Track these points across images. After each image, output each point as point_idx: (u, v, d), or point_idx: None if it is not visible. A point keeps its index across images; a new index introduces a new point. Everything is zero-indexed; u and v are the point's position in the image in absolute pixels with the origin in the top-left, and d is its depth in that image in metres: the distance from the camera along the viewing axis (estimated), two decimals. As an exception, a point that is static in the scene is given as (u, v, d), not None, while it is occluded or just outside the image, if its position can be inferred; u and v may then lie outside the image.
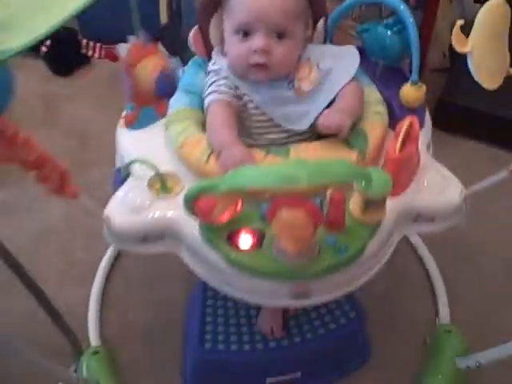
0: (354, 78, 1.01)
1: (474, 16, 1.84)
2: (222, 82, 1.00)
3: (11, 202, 1.67)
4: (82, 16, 1.96)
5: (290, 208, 0.79)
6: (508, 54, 0.95)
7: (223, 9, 1.02)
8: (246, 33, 0.97)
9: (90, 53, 2.05)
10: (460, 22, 0.92)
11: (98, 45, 1.94)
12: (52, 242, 1.58)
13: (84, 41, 2.03)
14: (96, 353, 1.30)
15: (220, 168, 0.90)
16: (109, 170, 1.13)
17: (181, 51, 1.18)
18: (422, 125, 1.06)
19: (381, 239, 0.92)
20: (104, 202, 0.96)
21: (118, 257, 1.53)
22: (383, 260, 0.97)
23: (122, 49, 1.04)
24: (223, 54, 1.04)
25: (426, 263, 1.54)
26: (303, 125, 0.99)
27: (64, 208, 1.62)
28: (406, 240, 1.56)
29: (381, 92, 1.07)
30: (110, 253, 1.53)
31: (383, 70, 1.12)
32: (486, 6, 0.90)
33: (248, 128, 1.02)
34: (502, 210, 1.66)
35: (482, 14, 0.91)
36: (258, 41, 0.96)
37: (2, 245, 1.05)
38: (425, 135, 1.06)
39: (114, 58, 1.78)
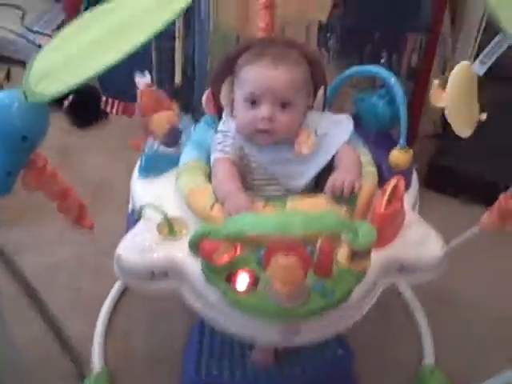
0: (347, 142, 1.09)
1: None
2: (228, 143, 1.09)
3: (25, 240, 1.73)
4: (103, 75, 2.09)
5: (284, 254, 0.86)
6: (477, 106, 1.05)
7: (234, 78, 1.11)
8: (253, 101, 1.06)
9: (108, 108, 2.13)
10: (435, 82, 1.04)
11: (117, 102, 2.02)
12: (62, 277, 1.65)
13: (104, 97, 2.12)
14: (98, 376, 1.36)
15: (225, 214, 0.98)
16: (116, 218, 1.21)
17: (193, 109, 1.27)
18: (408, 185, 1.14)
19: (366, 286, 0.98)
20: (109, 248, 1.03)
21: (124, 291, 1.59)
22: (368, 305, 1.03)
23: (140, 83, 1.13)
24: (232, 116, 1.13)
25: (412, 306, 1.58)
26: (301, 183, 1.08)
27: (75, 247, 1.68)
28: (392, 283, 1.61)
29: (372, 155, 1.15)
30: (116, 287, 1.58)
31: (376, 135, 1.20)
32: (456, 68, 1.01)
33: (249, 182, 1.10)
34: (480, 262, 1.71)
35: (453, 75, 1.02)
36: (264, 110, 1.05)
37: (23, 274, 1.13)
38: (411, 195, 1.14)
39: (130, 114, 1.86)
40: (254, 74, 1.06)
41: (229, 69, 1.12)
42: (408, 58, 1.67)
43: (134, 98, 1.18)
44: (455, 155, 1.92)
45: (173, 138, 1.14)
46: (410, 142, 1.86)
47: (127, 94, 1.27)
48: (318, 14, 1.66)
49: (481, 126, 1.91)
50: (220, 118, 1.16)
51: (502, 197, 0.95)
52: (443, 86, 1.04)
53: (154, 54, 1.94)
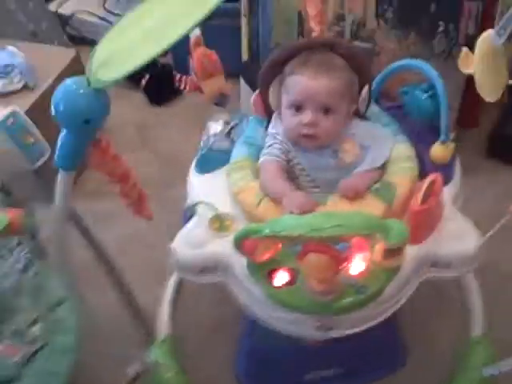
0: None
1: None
2: (277, 146, 1.12)
3: (104, 211, 1.79)
4: (176, 53, 2.10)
5: (317, 253, 0.89)
6: (506, 71, 1.03)
7: (281, 83, 1.13)
8: (298, 108, 1.09)
9: (182, 86, 2.16)
10: (464, 49, 1.03)
11: (189, 78, 2.05)
12: (138, 247, 1.72)
13: (177, 75, 2.15)
14: (164, 342, 1.40)
15: (287, 210, 1.00)
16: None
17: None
18: (450, 178, 1.13)
19: (399, 282, 1.00)
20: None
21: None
22: (403, 299, 1.04)
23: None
24: (281, 118, 1.15)
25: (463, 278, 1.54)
26: None
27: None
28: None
29: (416, 147, 1.14)
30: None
31: (420, 127, 1.19)
32: (482, 36, 1.00)
33: (294, 184, 1.12)
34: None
35: (479, 43, 1.00)
36: (307, 116, 1.07)
37: (99, 243, 1.21)
38: (452, 188, 1.13)
39: (201, 89, 1.89)
40: (299, 83, 1.08)
41: (275, 71, 1.14)
42: (465, 26, 1.60)
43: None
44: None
45: (222, 101, 1.20)
46: (473, 111, 1.85)
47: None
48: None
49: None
50: (269, 118, 1.19)
51: None
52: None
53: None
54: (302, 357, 1.31)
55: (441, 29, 1.63)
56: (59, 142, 0.83)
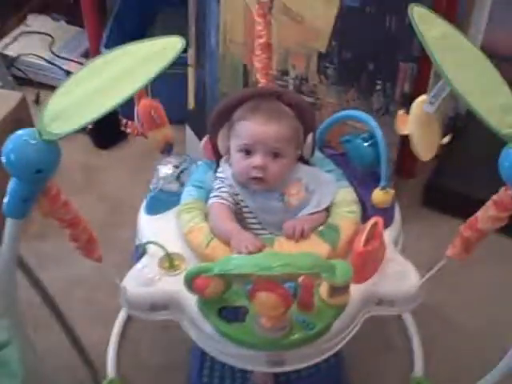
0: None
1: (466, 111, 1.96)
2: (224, 189, 1.16)
3: (48, 253, 1.80)
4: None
5: (266, 292, 0.91)
6: (438, 132, 1.11)
7: (230, 129, 1.17)
8: (247, 151, 1.13)
9: (128, 130, 2.20)
10: (400, 112, 1.13)
11: (134, 124, 2.07)
12: (81, 289, 1.71)
13: (124, 120, 2.18)
14: (111, 383, 1.43)
15: (234, 251, 1.04)
16: (134, 233, 1.24)
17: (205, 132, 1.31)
18: (390, 221, 1.19)
19: (345, 319, 1.03)
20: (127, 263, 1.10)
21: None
22: (349, 336, 1.08)
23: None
24: (229, 164, 1.19)
25: (404, 319, 1.61)
26: None
27: (94, 262, 1.74)
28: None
29: (358, 193, 1.20)
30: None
31: (362, 174, 1.25)
32: (416, 101, 1.09)
33: (242, 226, 1.14)
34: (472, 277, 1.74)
35: (413, 106, 1.09)
36: (257, 160, 1.12)
37: (43, 285, 1.19)
38: (393, 230, 1.19)
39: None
40: (249, 129, 1.12)
41: (224, 118, 1.18)
42: (401, 85, 1.70)
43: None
44: (453, 175, 1.95)
45: (166, 151, 1.23)
46: (410, 163, 1.93)
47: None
48: (318, 45, 1.71)
49: (481, 148, 1.95)
50: (218, 162, 1.22)
51: (461, 227, 0.98)
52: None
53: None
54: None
55: (378, 87, 1.72)
56: (8, 191, 0.83)
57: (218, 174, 1.20)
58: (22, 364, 1.07)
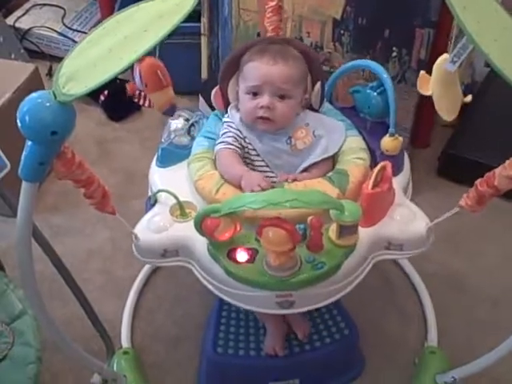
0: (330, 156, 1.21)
1: (483, 78, 1.97)
2: (230, 134, 1.21)
3: (63, 224, 1.87)
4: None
5: (273, 227, 0.96)
6: (460, 91, 1.14)
7: (239, 74, 1.23)
8: (255, 93, 1.18)
9: (140, 102, 2.25)
10: (422, 72, 1.14)
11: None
12: (97, 260, 1.77)
13: (137, 91, 2.23)
14: (126, 353, 1.47)
15: (246, 190, 1.09)
16: None
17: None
18: (399, 169, 1.24)
19: (355, 260, 1.08)
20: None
21: (151, 274, 1.70)
22: (358, 279, 1.12)
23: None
24: (237, 109, 1.24)
25: (418, 290, 1.66)
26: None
27: (109, 232, 1.82)
28: (400, 268, 1.70)
29: (367, 141, 1.25)
30: (144, 270, 1.69)
31: (371, 123, 1.30)
32: (438, 60, 1.11)
33: (251, 169, 1.21)
34: (491, 248, 1.79)
35: (435, 66, 1.11)
36: (264, 100, 1.17)
37: (59, 259, 1.25)
38: (402, 178, 1.23)
39: None
40: (256, 69, 1.17)
41: (235, 66, 1.23)
42: (417, 52, 1.73)
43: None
44: (468, 144, 1.98)
45: (171, 111, 1.24)
46: (425, 132, 1.96)
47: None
48: (332, 11, 1.75)
49: (497, 116, 1.97)
50: (227, 112, 1.27)
51: (478, 181, 1.01)
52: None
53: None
54: (263, 368, 1.39)
55: (394, 54, 1.75)
56: (24, 154, 0.86)
57: (224, 119, 1.25)
58: (37, 334, 1.13)
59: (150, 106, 2.23)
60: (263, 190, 1.06)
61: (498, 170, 0.97)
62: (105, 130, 2.24)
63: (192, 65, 2.10)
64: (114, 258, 1.76)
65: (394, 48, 1.75)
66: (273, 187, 1.09)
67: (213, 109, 1.35)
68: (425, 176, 1.99)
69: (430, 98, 1.13)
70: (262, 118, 1.18)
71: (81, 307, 1.36)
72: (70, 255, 1.57)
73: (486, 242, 1.79)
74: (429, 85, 1.12)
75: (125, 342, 1.53)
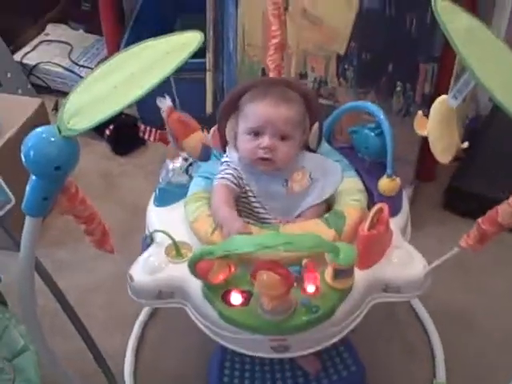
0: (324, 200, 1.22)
1: (488, 111, 1.98)
2: (229, 171, 1.22)
3: (67, 259, 1.88)
4: (140, 105, 2.20)
5: (268, 270, 0.97)
6: (457, 135, 1.13)
7: (238, 114, 1.24)
8: (256, 133, 1.20)
9: (146, 136, 2.26)
10: (419, 112, 1.15)
11: (154, 130, 2.13)
12: (100, 295, 1.77)
13: (142, 126, 2.24)
14: None
15: (223, 238, 1.10)
16: None
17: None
18: (397, 210, 1.24)
19: (350, 303, 1.08)
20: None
21: (155, 309, 1.70)
22: (355, 322, 1.12)
23: (162, 103, 1.20)
24: (235, 149, 1.25)
25: (426, 325, 1.65)
26: (288, 217, 1.21)
27: (112, 267, 1.79)
28: (407, 303, 1.69)
29: (365, 182, 1.25)
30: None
31: (369, 164, 1.30)
32: (436, 101, 1.11)
33: (247, 210, 1.23)
34: (500, 282, 1.78)
35: (434, 107, 1.12)
36: (265, 141, 1.18)
37: (62, 293, 1.24)
38: (400, 220, 1.23)
39: (167, 141, 1.96)
40: (258, 110, 1.19)
41: (233, 107, 1.25)
42: (421, 87, 1.74)
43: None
44: (475, 178, 1.98)
45: (206, 153, 1.25)
46: (430, 166, 1.96)
47: (163, 122, 1.35)
48: (336, 47, 1.78)
49: (503, 150, 1.97)
50: (224, 152, 1.29)
51: (479, 220, 1.01)
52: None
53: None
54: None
55: (398, 88, 1.77)
56: (28, 189, 0.87)
57: (223, 159, 1.27)
58: (38, 371, 1.14)
59: (155, 140, 2.25)
60: None
61: (501, 207, 0.97)
62: (110, 164, 2.27)
63: (198, 100, 2.11)
64: (118, 293, 1.72)
65: (398, 82, 1.76)
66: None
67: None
68: (430, 209, 1.99)
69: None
70: (262, 158, 1.19)
71: (83, 343, 1.35)
72: (72, 290, 1.55)
73: (494, 278, 1.78)
74: (425, 125, 1.13)
75: (128, 378, 1.53)
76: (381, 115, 1.23)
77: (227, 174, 1.22)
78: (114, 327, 1.68)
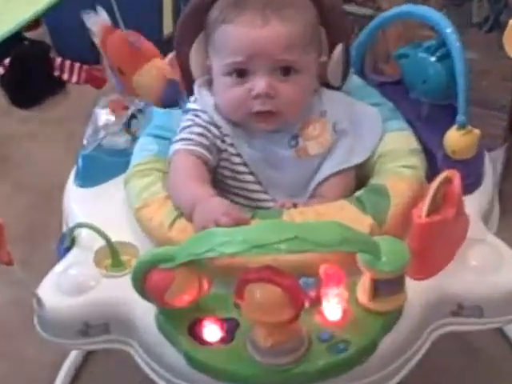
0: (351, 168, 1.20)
1: None
2: (197, 129, 1.19)
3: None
4: (56, 26, 2.19)
5: (262, 283, 0.93)
6: None
7: (208, 39, 1.20)
8: (240, 73, 1.16)
9: (65, 76, 2.24)
10: (511, 21, 1.12)
11: (78, 65, 2.10)
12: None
13: (58, 59, 2.22)
14: None
15: (196, 226, 1.06)
16: None
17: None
18: (476, 184, 1.23)
19: (401, 336, 1.06)
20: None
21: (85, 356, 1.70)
22: (409, 365, 1.10)
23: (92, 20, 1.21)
24: (208, 88, 1.23)
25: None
26: (297, 197, 1.19)
27: (10, 293, 1.82)
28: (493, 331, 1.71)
29: (421, 138, 1.24)
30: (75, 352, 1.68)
31: (430, 109, 1.29)
32: None
33: (233, 188, 1.21)
34: None
35: None
36: (259, 83, 1.14)
37: None
38: (480, 198, 1.22)
39: (99, 82, 1.95)
40: (236, 36, 1.15)
41: (199, 23, 1.21)
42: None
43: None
44: None
45: (171, 94, 1.26)
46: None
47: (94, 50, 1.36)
48: None
49: None
50: (189, 91, 1.26)
51: None
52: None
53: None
54: None
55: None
56: None
57: (189, 106, 1.24)
58: None
59: (79, 81, 2.23)
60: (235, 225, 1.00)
61: None
62: (6, 121, 2.28)
63: (151, 16, 2.17)
64: (22, 333, 1.75)
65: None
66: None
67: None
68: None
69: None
70: (259, 112, 1.16)
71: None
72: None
73: None
74: None
75: None
76: (447, 28, 1.20)
77: (193, 133, 1.19)
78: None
